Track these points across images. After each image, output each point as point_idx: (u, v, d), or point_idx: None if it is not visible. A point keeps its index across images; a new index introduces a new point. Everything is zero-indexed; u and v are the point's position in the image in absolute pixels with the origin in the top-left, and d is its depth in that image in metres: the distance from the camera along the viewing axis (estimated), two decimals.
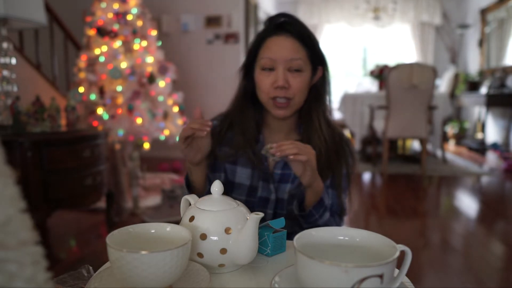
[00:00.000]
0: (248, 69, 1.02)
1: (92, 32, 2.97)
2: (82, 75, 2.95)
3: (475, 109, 6.00)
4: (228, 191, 1.01)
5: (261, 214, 0.63)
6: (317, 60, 0.99)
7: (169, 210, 2.68)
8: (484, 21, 5.94)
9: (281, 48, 0.94)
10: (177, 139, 0.87)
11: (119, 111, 2.81)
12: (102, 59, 2.87)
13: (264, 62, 0.95)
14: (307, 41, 0.96)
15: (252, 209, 0.74)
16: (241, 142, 1.00)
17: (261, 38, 0.98)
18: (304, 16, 6.87)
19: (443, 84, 5.46)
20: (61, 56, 3.82)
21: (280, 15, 0.98)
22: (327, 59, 1.02)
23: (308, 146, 0.82)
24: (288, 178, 1.01)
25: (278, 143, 0.80)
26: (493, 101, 4.93)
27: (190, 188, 0.95)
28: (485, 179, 4.01)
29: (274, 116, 0.99)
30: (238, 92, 1.05)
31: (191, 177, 0.93)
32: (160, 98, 2.99)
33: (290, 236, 0.78)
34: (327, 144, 0.98)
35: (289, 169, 1.01)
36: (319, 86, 1.02)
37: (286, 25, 0.96)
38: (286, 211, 0.99)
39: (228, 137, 1.03)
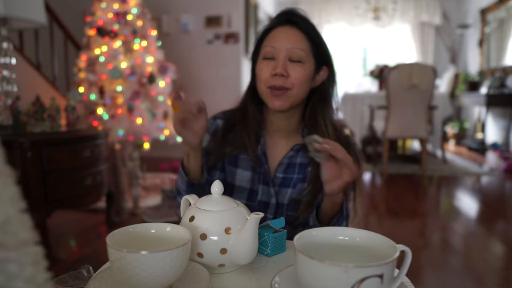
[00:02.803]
0: (253, 64, 1.00)
1: (92, 32, 2.97)
2: (82, 75, 2.95)
3: (475, 109, 6.00)
4: (228, 193, 1.00)
5: (261, 214, 0.63)
6: (321, 58, 0.96)
7: (169, 210, 2.68)
8: (484, 21, 5.94)
9: (284, 37, 0.92)
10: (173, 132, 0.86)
11: (119, 111, 2.81)
12: (102, 59, 2.87)
13: (266, 51, 0.93)
14: (312, 35, 0.94)
15: None
16: (243, 142, 0.98)
17: (265, 31, 0.97)
18: None
19: (443, 84, 5.46)
20: (61, 56, 3.82)
21: (287, 11, 0.97)
22: (333, 60, 0.99)
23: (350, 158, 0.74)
24: (289, 183, 0.98)
25: (324, 140, 0.72)
26: (493, 101, 4.93)
27: (187, 175, 0.90)
28: (485, 179, 4.01)
29: (271, 108, 0.95)
30: (246, 90, 1.03)
31: (188, 165, 0.90)
32: (160, 98, 2.99)
33: (290, 238, 0.78)
34: None
35: (291, 173, 0.98)
36: (325, 88, 0.99)
37: (292, 17, 0.94)
38: (285, 216, 0.97)
39: (230, 137, 1.00)
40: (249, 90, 1.02)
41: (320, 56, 0.96)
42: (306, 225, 0.97)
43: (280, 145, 1.01)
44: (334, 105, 1.00)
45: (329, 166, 0.74)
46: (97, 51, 2.92)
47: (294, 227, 0.95)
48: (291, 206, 0.97)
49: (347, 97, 4.76)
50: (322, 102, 0.98)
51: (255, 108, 1.00)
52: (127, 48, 2.97)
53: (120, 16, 2.95)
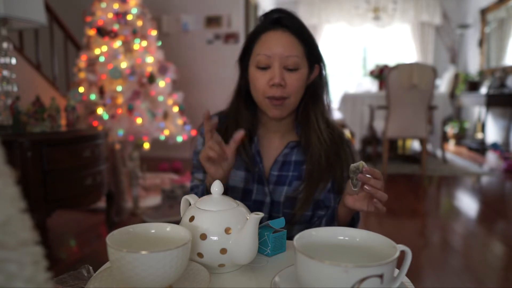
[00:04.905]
0: (242, 66, 0.99)
1: (92, 32, 2.97)
2: (82, 75, 2.95)
3: (475, 109, 6.00)
4: None
5: (261, 214, 0.63)
6: (314, 58, 0.96)
7: (169, 210, 2.68)
8: (484, 21, 5.93)
9: (278, 44, 0.89)
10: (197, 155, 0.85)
11: (119, 111, 2.81)
12: (102, 59, 2.87)
13: (259, 59, 0.91)
14: (305, 37, 0.92)
15: None
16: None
17: (256, 34, 0.94)
18: (304, 16, 6.86)
19: (443, 84, 5.46)
20: (61, 56, 3.82)
21: (276, 11, 0.94)
22: (324, 57, 0.99)
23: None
24: (285, 181, 0.98)
25: (370, 170, 0.74)
26: (493, 101, 4.93)
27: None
28: (485, 179, 4.01)
29: (270, 117, 0.95)
30: (234, 92, 1.02)
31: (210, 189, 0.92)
32: (160, 98, 2.99)
33: (287, 236, 0.78)
34: (327, 146, 0.95)
35: (286, 171, 0.98)
36: (316, 85, 0.99)
37: (283, 20, 0.91)
38: (282, 214, 0.97)
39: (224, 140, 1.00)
40: (239, 93, 1.01)
41: (313, 56, 0.95)
42: (308, 225, 0.97)
43: (274, 143, 1.01)
44: (326, 102, 1.00)
45: (361, 195, 0.78)
46: (97, 51, 2.92)
47: (291, 225, 0.96)
48: (287, 204, 0.97)
49: (347, 97, 4.76)
50: (314, 99, 0.99)
51: (247, 112, 0.99)
52: (127, 48, 2.97)
53: (120, 16, 2.95)
